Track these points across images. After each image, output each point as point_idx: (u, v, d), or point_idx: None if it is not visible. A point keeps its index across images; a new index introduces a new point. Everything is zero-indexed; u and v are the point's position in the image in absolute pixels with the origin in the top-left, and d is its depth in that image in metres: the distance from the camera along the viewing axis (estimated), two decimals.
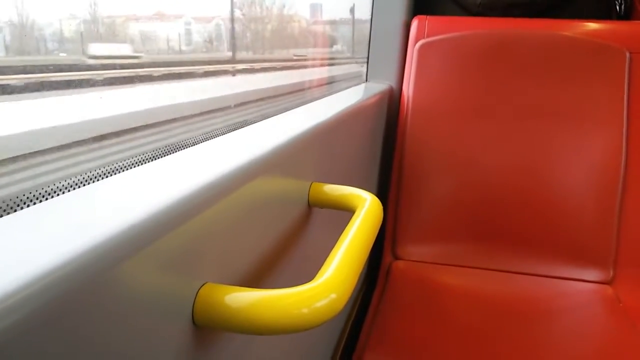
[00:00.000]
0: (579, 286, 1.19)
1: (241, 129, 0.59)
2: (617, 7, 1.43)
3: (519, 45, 1.28)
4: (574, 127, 1.24)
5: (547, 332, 1.01)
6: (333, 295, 0.36)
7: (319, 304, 0.35)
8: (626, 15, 1.41)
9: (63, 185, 0.41)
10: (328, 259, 0.41)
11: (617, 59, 1.24)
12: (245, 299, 0.35)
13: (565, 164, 1.24)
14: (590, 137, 1.23)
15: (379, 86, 1.29)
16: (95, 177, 0.45)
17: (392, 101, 1.36)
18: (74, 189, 0.40)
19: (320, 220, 0.69)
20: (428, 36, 1.33)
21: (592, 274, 1.22)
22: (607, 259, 1.21)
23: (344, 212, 0.60)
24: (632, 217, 1.21)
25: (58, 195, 0.35)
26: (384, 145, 1.35)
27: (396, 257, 1.30)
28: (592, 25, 1.27)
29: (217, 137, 0.54)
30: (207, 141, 0.51)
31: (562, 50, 1.26)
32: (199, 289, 0.36)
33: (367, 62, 1.41)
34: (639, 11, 1.38)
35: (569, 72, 1.25)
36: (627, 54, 1.23)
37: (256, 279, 0.47)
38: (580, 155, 1.23)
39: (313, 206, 0.63)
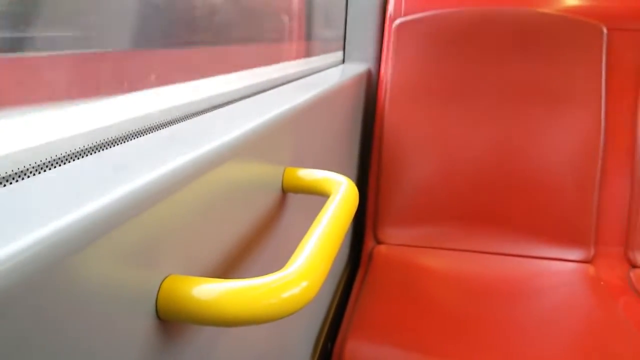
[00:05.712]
0: (560, 266, 1.20)
1: (211, 112, 0.57)
2: None
3: (496, 23, 1.26)
4: (553, 106, 1.24)
5: (529, 312, 1.01)
6: (304, 283, 0.34)
7: (290, 293, 0.34)
8: None
9: (19, 170, 0.39)
10: (300, 246, 0.39)
11: (594, 35, 1.23)
12: (211, 291, 0.33)
13: (544, 142, 1.24)
14: (569, 115, 1.23)
15: (357, 67, 1.27)
16: (51, 163, 0.42)
17: (370, 83, 1.34)
18: (28, 176, 0.38)
19: (296, 207, 0.67)
20: (405, 14, 1.30)
21: (573, 254, 1.22)
22: (587, 238, 1.22)
23: (320, 197, 0.58)
24: (611, 196, 1.22)
25: (17, 181, 0.33)
26: (363, 129, 1.34)
27: (378, 242, 1.29)
28: (570, 1, 1.26)
29: (186, 120, 0.52)
30: (173, 125, 0.49)
31: (539, 28, 1.25)
32: (163, 281, 0.34)
33: (344, 43, 1.39)
34: None
35: (547, 49, 1.24)
36: (604, 30, 1.22)
37: (227, 270, 0.45)
38: (559, 133, 1.23)
39: (287, 192, 0.61)
